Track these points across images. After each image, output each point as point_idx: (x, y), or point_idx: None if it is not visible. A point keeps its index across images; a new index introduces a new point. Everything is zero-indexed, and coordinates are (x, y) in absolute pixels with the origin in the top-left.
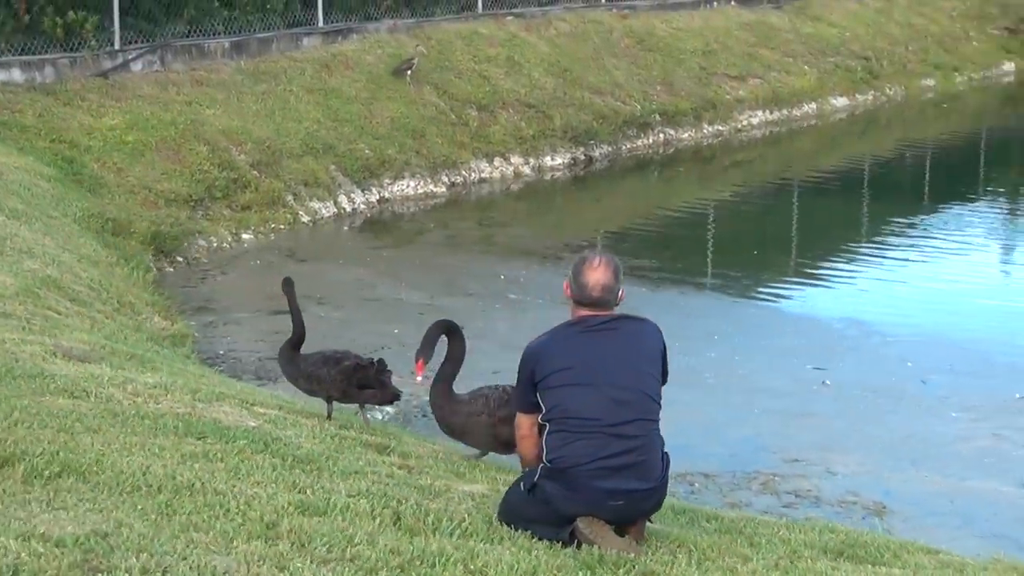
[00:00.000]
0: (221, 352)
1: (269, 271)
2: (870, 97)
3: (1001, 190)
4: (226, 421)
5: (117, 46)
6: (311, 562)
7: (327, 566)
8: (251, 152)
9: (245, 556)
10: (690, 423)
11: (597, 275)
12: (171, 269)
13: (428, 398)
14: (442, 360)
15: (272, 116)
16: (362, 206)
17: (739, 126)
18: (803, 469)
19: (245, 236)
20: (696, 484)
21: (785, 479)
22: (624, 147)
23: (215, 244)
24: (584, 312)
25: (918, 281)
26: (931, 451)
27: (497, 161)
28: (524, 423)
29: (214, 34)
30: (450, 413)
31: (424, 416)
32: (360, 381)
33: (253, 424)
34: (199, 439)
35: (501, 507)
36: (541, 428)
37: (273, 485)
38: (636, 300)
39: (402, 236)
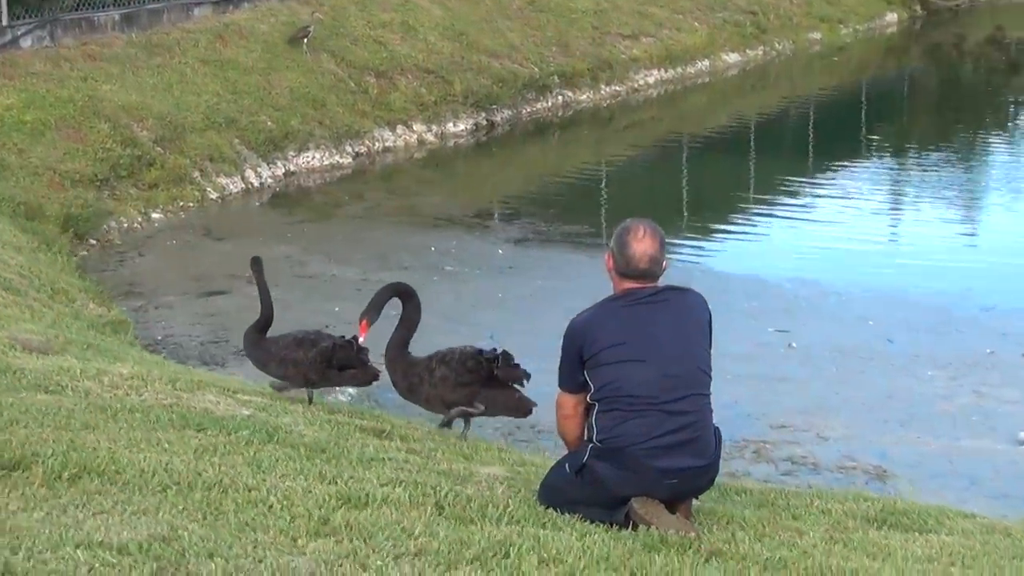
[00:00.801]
0: (160, 338)
1: (188, 251)
2: (760, 52)
3: (887, 146)
4: (218, 411)
5: (5, 22)
6: (387, 557)
7: (404, 561)
8: (153, 128)
9: (319, 555)
10: None
11: (643, 246)
12: (85, 252)
13: (384, 359)
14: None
15: (170, 90)
16: (269, 180)
17: (635, 86)
18: (792, 435)
19: (155, 215)
20: None
21: (776, 446)
22: (524, 111)
23: (126, 225)
24: (630, 284)
25: (832, 239)
26: (916, 411)
27: (400, 129)
28: (568, 403)
29: (103, 6)
30: (401, 375)
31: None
32: (341, 361)
33: (246, 413)
34: (199, 431)
35: (543, 491)
36: (588, 408)
37: (301, 478)
38: (566, 268)
39: (318, 210)
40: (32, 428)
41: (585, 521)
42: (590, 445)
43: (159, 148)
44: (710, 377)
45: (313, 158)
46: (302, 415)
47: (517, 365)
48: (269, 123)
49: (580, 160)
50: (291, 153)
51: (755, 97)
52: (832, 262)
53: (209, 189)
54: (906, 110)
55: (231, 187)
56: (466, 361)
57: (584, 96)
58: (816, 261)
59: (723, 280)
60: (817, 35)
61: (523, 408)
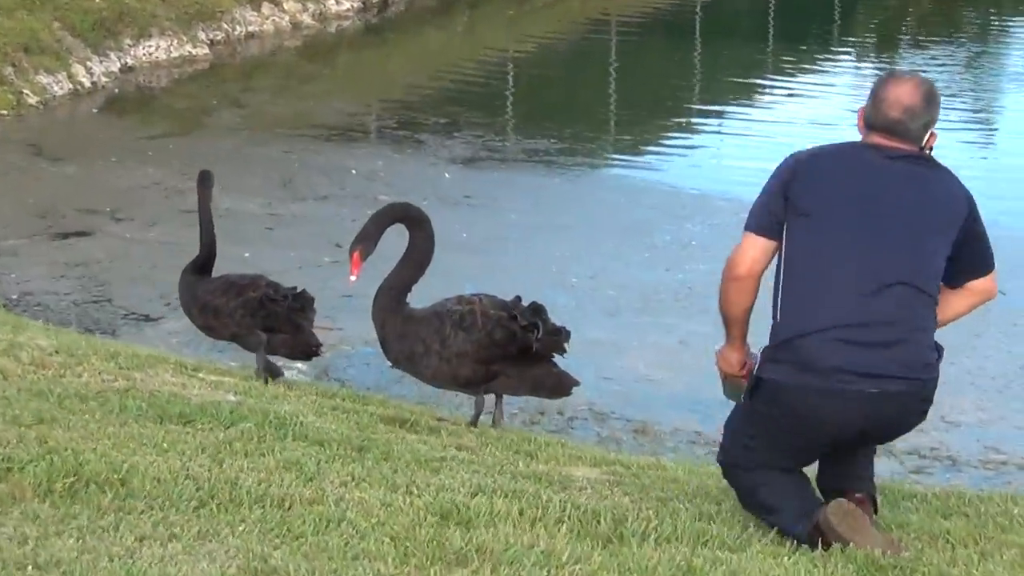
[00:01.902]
0: (14, 296)
1: (17, 176)
2: None
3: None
4: (193, 397)
5: None
6: None
7: None
8: None
9: None
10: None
11: (900, 92)
12: None
13: (372, 308)
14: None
15: None
16: (103, 78)
17: None
18: None
19: None
20: None
21: None
22: None
23: None
24: (876, 138)
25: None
26: None
27: (267, 8)
28: (746, 250)
29: None
30: (396, 336)
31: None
32: (265, 321)
33: (233, 399)
34: (185, 424)
35: (721, 452)
36: (774, 285)
37: (366, 485)
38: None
39: (180, 118)
40: None
41: (764, 534)
42: (765, 347)
43: None
44: (938, 283)
45: (157, 48)
46: (300, 400)
47: (559, 330)
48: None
49: (491, 47)
50: (128, 42)
51: None
52: None
53: (27, 91)
54: None
55: (55, 88)
56: (493, 331)
57: None
58: None
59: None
60: None
61: (564, 387)
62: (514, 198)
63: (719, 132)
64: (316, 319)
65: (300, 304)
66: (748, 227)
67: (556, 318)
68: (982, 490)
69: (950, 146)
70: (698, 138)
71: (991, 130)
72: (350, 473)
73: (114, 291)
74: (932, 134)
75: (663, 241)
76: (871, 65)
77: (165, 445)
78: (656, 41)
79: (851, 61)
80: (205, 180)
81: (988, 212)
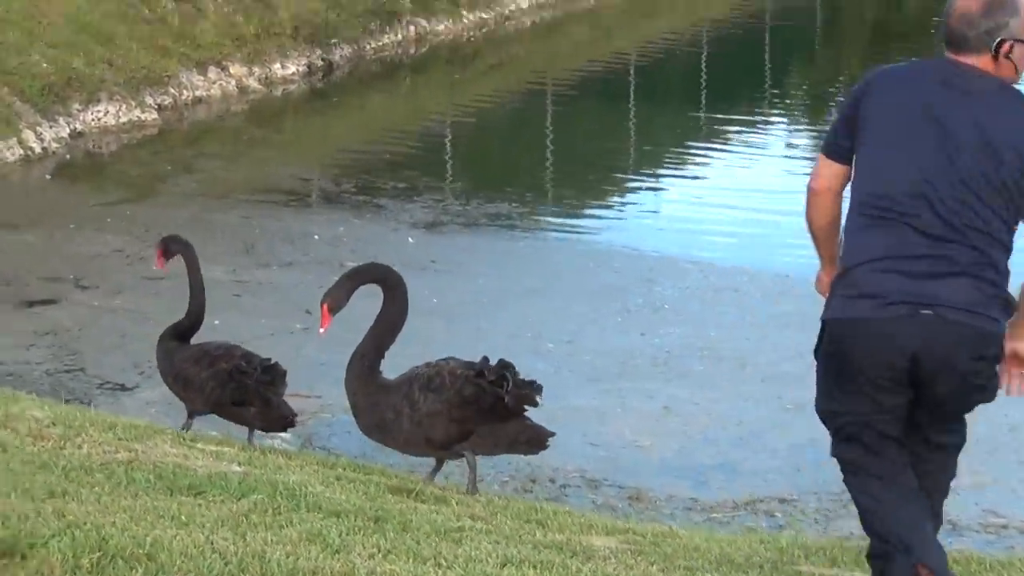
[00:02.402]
0: None
1: None
2: None
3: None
4: (198, 468)
5: None
6: None
7: None
8: None
9: None
10: (711, 429)
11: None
12: None
13: (345, 377)
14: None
15: None
16: (53, 144)
17: (505, 12)
18: None
19: None
20: (778, 514)
21: None
22: (368, 46)
23: None
24: (947, 53)
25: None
26: None
27: (213, 72)
28: (820, 168)
29: None
30: (367, 405)
31: (343, 432)
32: (234, 393)
33: (238, 469)
34: (195, 495)
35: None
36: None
37: (392, 556)
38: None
39: (134, 185)
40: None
41: None
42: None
43: None
44: (1005, 220)
45: (106, 113)
46: (303, 470)
47: (530, 383)
48: (44, 64)
49: (435, 111)
50: (76, 107)
51: (645, 25)
52: None
53: None
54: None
55: (6, 154)
56: (463, 388)
57: (442, 26)
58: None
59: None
60: None
61: (540, 440)
62: (480, 262)
63: (673, 195)
64: (292, 387)
65: (270, 377)
66: (821, 149)
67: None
68: (996, 554)
69: None
70: (651, 201)
71: None
72: (375, 545)
73: (87, 360)
74: (1009, 42)
75: (635, 304)
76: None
77: (183, 518)
78: (590, 104)
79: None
80: (182, 243)
81: None
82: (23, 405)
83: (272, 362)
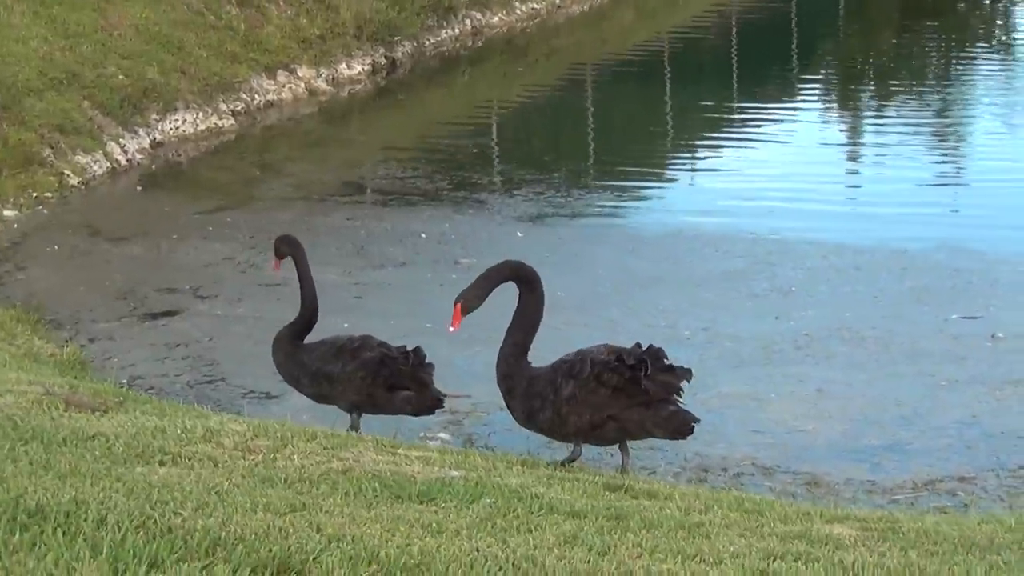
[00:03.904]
0: (124, 381)
1: (83, 259)
2: None
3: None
4: (416, 475)
5: None
6: None
7: None
8: None
9: None
10: (871, 410)
11: None
12: None
13: (496, 374)
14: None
15: None
16: (137, 155)
17: (557, 1)
18: None
19: (7, 213)
20: (960, 493)
21: None
22: (428, 42)
23: None
24: None
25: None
26: None
27: (282, 76)
28: None
29: None
30: (519, 396)
31: (504, 431)
32: (390, 379)
33: (456, 473)
34: (426, 503)
35: None
36: None
37: (659, 555)
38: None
39: (228, 192)
40: (223, 511)
41: None
42: None
43: None
44: None
45: (183, 121)
46: (512, 470)
47: (671, 368)
48: (120, 76)
49: (501, 101)
50: (154, 117)
51: (685, 8)
52: None
53: (67, 172)
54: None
55: (94, 167)
56: (601, 374)
57: (496, 18)
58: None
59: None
60: None
61: (683, 427)
62: (593, 252)
63: (763, 175)
64: (442, 386)
65: (420, 360)
66: None
67: None
68: None
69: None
70: (755, 185)
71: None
72: (635, 544)
73: (225, 370)
74: None
75: (762, 289)
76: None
77: (435, 525)
78: (692, 90)
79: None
80: (291, 243)
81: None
82: (217, 420)
83: (415, 348)
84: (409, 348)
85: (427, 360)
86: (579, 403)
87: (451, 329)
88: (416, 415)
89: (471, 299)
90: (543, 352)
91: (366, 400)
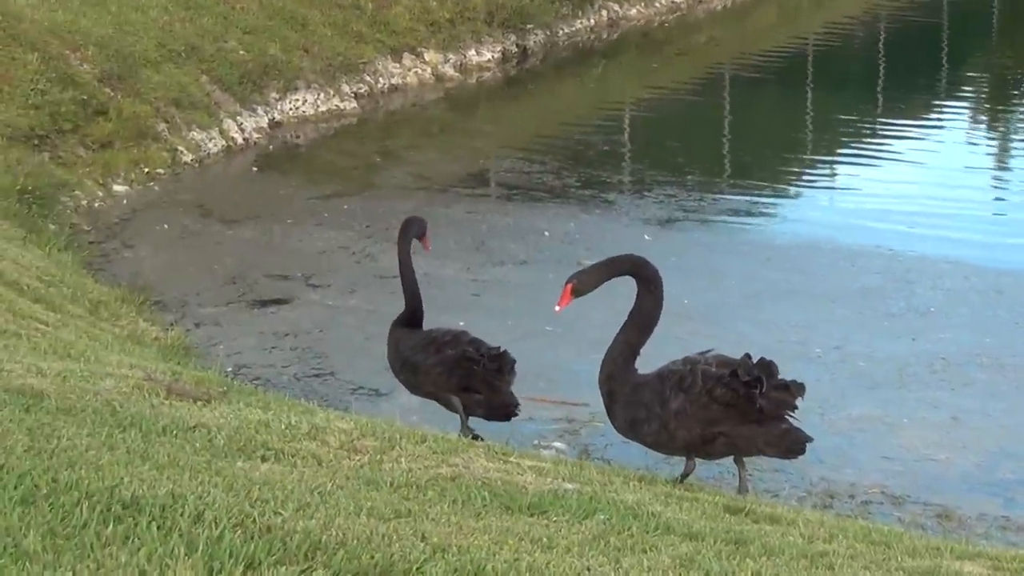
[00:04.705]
0: (230, 369)
1: (193, 240)
2: None
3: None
4: (532, 486)
5: None
6: None
7: None
8: (95, 59)
9: None
10: (1009, 442)
11: None
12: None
13: (599, 374)
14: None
15: (104, 4)
16: (254, 134)
17: None
18: None
19: (117, 187)
20: None
21: None
22: (561, 31)
23: (84, 202)
24: None
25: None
26: None
27: (408, 59)
28: None
29: None
30: (622, 403)
31: (621, 443)
32: (461, 380)
33: (570, 486)
34: (539, 515)
35: None
36: None
37: None
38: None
39: (347, 177)
40: (325, 513)
41: None
42: None
43: (108, 89)
44: None
45: (304, 102)
46: (629, 486)
47: (786, 384)
48: (241, 51)
49: (633, 98)
50: (274, 95)
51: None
52: None
53: (181, 148)
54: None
55: (209, 145)
56: (714, 388)
57: (635, 10)
58: None
59: None
60: None
61: (796, 446)
62: (724, 260)
63: (911, 190)
64: (552, 392)
65: (497, 364)
66: None
67: (811, 394)
68: None
69: None
70: (896, 202)
71: None
72: (754, 572)
73: (334, 363)
74: None
75: (898, 308)
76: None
77: (546, 540)
78: (830, 97)
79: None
80: (406, 229)
81: None
82: (323, 416)
83: (501, 350)
84: (501, 349)
85: (510, 365)
86: (689, 418)
87: (557, 309)
88: (488, 420)
89: (584, 282)
90: (661, 362)
91: (442, 396)
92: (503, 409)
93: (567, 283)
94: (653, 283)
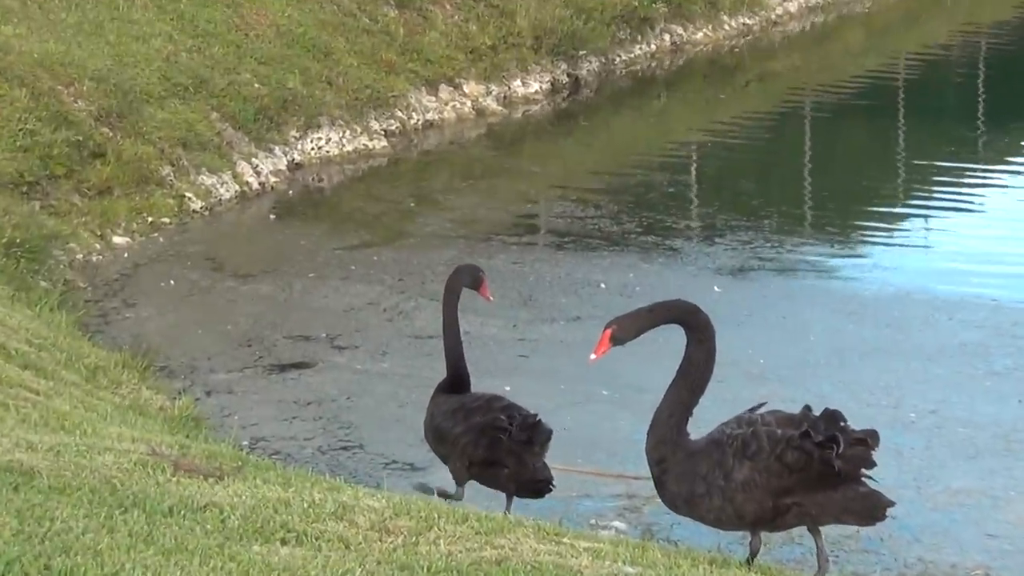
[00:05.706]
0: (246, 443)
1: (203, 297)
2: None
3: None
4: (587, 570)
5: None
6: None
7: None
8: (92, 95)
9: None
10: None
11: None
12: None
13: (645, 443)
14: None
15: (101, 33)
16: (271, 178)
17: (772, 16)
18: None
19: (117, 239)
20: None
21: None
22: (618, 58)
23: (80, 255)
24: None
25: None
26: None
27: (445, 91)
28: None
29: None
30: (674, 474)
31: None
32: (487, 452)
33: (632, 571)
34: None
35: None
36: None
37: None
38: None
39: (377, 225)
40: None
41: None
42: None
43: (105, 128)
44: None
45: (327, 140)
46: (695, 569)
47: (864, 440)
48: (256, 84)
49: (704, 133)
50: (294, 134)
51: (919, 31)
52: None
53: (189, 195)
54: None
55: (221, 190)
56: (784, 453)
57: (700, 34)
58: None
59: None
60: None
61: (877, 510)
62: (803, 314)
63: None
64: (606, 464)
65: (526, 435)
66: None
67: (905, 464)
68: None
69: None
70: (1000, 246)
71: None
72: None
73: (363, 435)
74: None
75: (1004, 367)
76: None
77: None
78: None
79: None
80: (456, 279)
81: None
82: (351, 493)
83: (536, 418)
84: (536, 417)
85: (544, 436)
86: (758, 488)
87: (592, 357)
88: (518, 495)
89: (625, 328)
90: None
91: (472, 468)
92: (531, 485)
93: (605, 328)
94: (704, 334)
